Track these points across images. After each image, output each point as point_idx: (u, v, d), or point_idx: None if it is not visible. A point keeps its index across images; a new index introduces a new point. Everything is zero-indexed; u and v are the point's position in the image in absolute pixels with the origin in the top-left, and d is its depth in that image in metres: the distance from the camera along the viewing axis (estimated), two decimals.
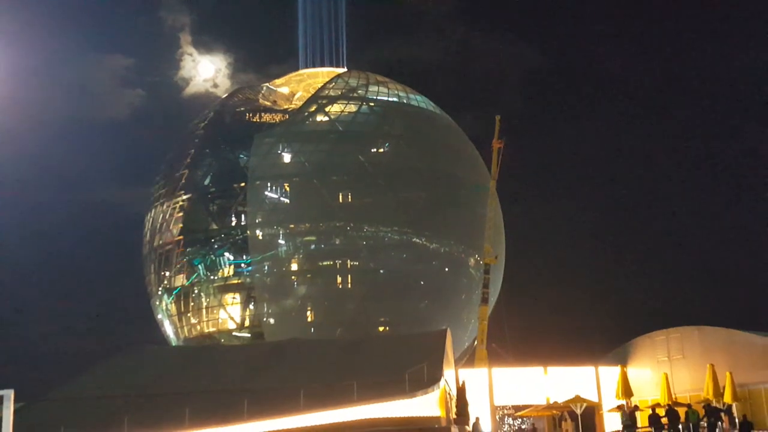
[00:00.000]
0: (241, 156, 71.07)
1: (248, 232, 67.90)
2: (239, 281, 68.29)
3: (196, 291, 69.11)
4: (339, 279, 67.88)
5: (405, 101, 74.95)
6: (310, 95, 74.18)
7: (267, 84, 78.47)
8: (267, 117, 73.46)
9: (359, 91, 73.55)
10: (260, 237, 68.11)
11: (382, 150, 71.38)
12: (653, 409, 44.52)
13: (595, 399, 51.28)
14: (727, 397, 44.84)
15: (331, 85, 73.90)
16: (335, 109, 72.39)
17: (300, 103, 74.03)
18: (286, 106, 75.30)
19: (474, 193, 70.44)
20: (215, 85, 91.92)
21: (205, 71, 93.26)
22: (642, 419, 45.88)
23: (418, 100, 76.21)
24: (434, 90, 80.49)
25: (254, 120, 73.19)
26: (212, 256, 69.10)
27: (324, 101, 72.65)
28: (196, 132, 74.42)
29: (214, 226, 69.84)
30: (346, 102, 72.56)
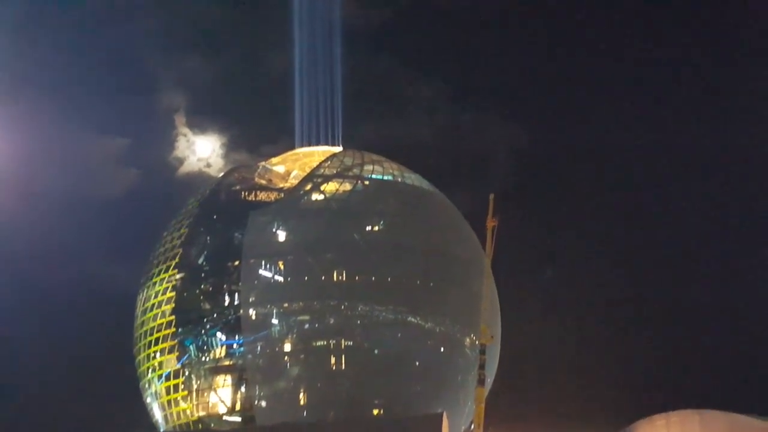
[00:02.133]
0: (236, 234, 71.01)
1: (241, 311, 67.35)
2: (231, 362, 67.40)
3: (186, 373, 67.77)
4: (333, 359, 66.97)
5: (399, 180, 75.48)
6: (305, 174, 74.84)
7: (263, 163, 79.32)
8: (262, 195, 74.19)
9: (354, 170, 74.11)
10: (253, 317, 67.57)
11: (376, 228, 71.92)
12: None
13: None
14: None
15: (326, 164, 74.58)
16: (330, 187, 73.05)
17: (295, 182, 74.98)
18: (281, 185, 75.94)
19: (469, 272, 69.92)
20: (209, 165, 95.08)
21: (200, 151, 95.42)
22: None
23: (413, 178, 76.62)
24: (428, 168, 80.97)
25: (250, 198, 73.95)
26: (204, 336, 68.11)
27: (319, 180, 73.30)
28: (192, 210, 74.78)
29: (207, 306, 69.23)
30: (341, 180, 73.37)
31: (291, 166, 79.01)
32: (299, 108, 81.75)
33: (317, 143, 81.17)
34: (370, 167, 75.09)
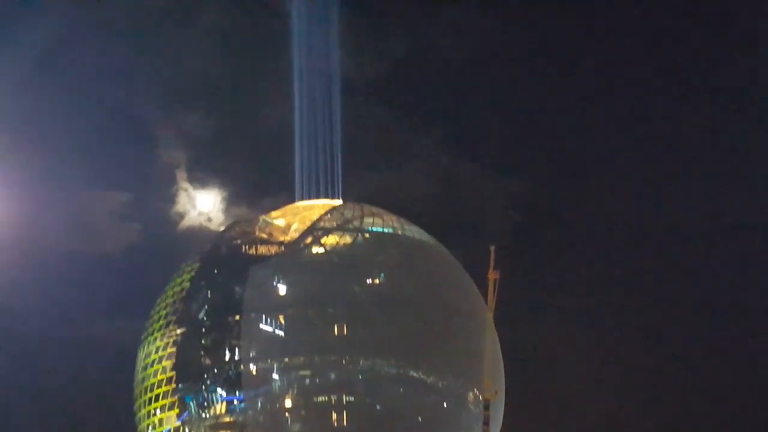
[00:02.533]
0: (237, 288, 70.58)
1: (242, 366, 66.71)
2: (231, 419, 66.12)
3: (187, 430, 66.76)
4: (334, 415, 65.61)
5: (399, 232, 75.05)
6: (305, 227, 73.98)
7: (263, 216, 78.23)
8: (263, 249, 73.15)
9: (354, 223, 73.87)
10: (254, 372, 66.82)
11: (377, 281, 71.14)
12: None
13: None
14: None
15: (326, 217, 74.30)
16: (331, 240, 72.62)
17: (296, 235, 73.86)
18: (282, 238, 74.54)
19: (471, 325, 68.78)
20: (209, 219, 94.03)
21: (200, 205, 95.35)
22: None
23: (413, 230, 76.06)
24: (428, 220, 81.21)
25: (250, 252, 73.08)
26: (204, 392, 67.10)
27: (319, 233, 72.86)
28: (193, 265, 74.29)
29: (208, 361, 68.37)
30: (341, 233, 73.08)
31: (291, 219, 77.63)
32: (299, 161, 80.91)
33: (317, 196, 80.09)
34: (370, 220, 74.79)
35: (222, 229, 79.60)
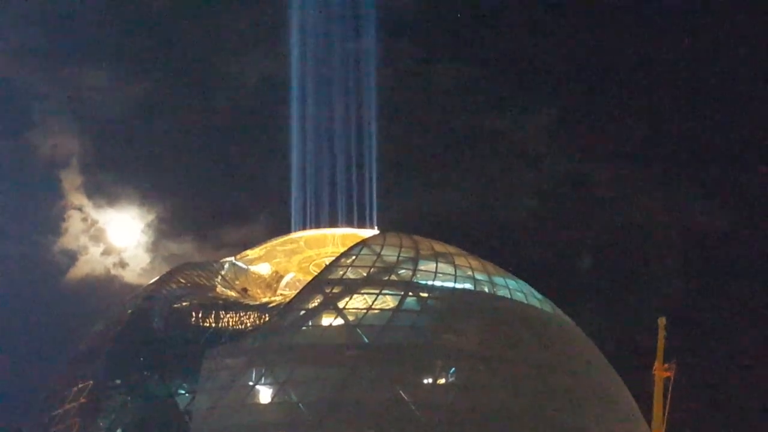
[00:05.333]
0: (181, 392, 51.19)
1: None
2: None
3: None
4: None
5: (485, 288, 53.91)
6: (309, 278, 56.05)
7: (231, 258, 61.10)
8: (229, 318, 53.79)
9: (401, 271, 52.80)
10: None
11: (442, 381, 50.14)
12: None
13: None
14: None
15: (348, 261, 53.54)
16: (356, 304, 51.50)
17: (291, 293, 57.15)
18: (264, 299, 57.94)
19: None
20: (123, 264, 74.50)
21: (111, 236, 75.88)
22: None
23: (510, 287, 54.28)
24: (532, 265, 64.69)
25: (205, 324, 53.15)
26: None
27: (336, 290, 51.78)
28: (99, 347, 53.84)
29: None
30: (376, 291, 51.56)
31: (283, 263, 62.77)
32: (299, 158, 64.32)
33: (330, 223, 63.57)
34: (431, 266, 54.31)
35: (152, 281, 58.99)
